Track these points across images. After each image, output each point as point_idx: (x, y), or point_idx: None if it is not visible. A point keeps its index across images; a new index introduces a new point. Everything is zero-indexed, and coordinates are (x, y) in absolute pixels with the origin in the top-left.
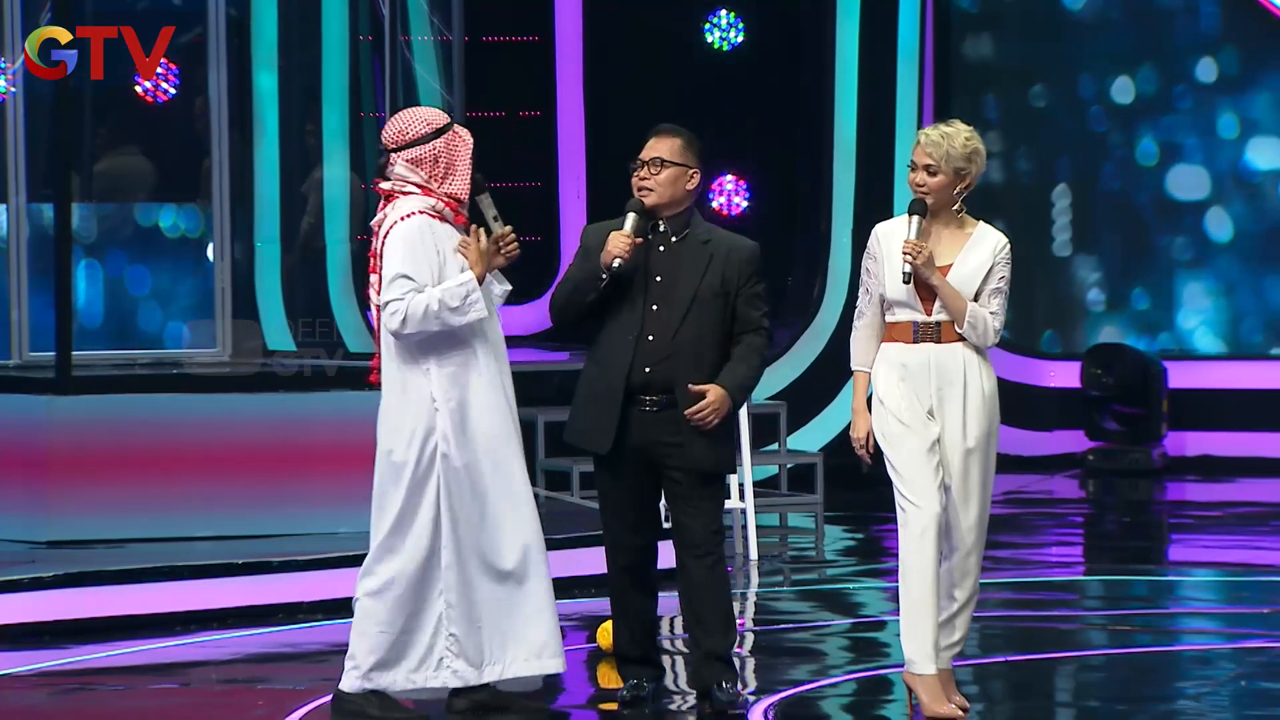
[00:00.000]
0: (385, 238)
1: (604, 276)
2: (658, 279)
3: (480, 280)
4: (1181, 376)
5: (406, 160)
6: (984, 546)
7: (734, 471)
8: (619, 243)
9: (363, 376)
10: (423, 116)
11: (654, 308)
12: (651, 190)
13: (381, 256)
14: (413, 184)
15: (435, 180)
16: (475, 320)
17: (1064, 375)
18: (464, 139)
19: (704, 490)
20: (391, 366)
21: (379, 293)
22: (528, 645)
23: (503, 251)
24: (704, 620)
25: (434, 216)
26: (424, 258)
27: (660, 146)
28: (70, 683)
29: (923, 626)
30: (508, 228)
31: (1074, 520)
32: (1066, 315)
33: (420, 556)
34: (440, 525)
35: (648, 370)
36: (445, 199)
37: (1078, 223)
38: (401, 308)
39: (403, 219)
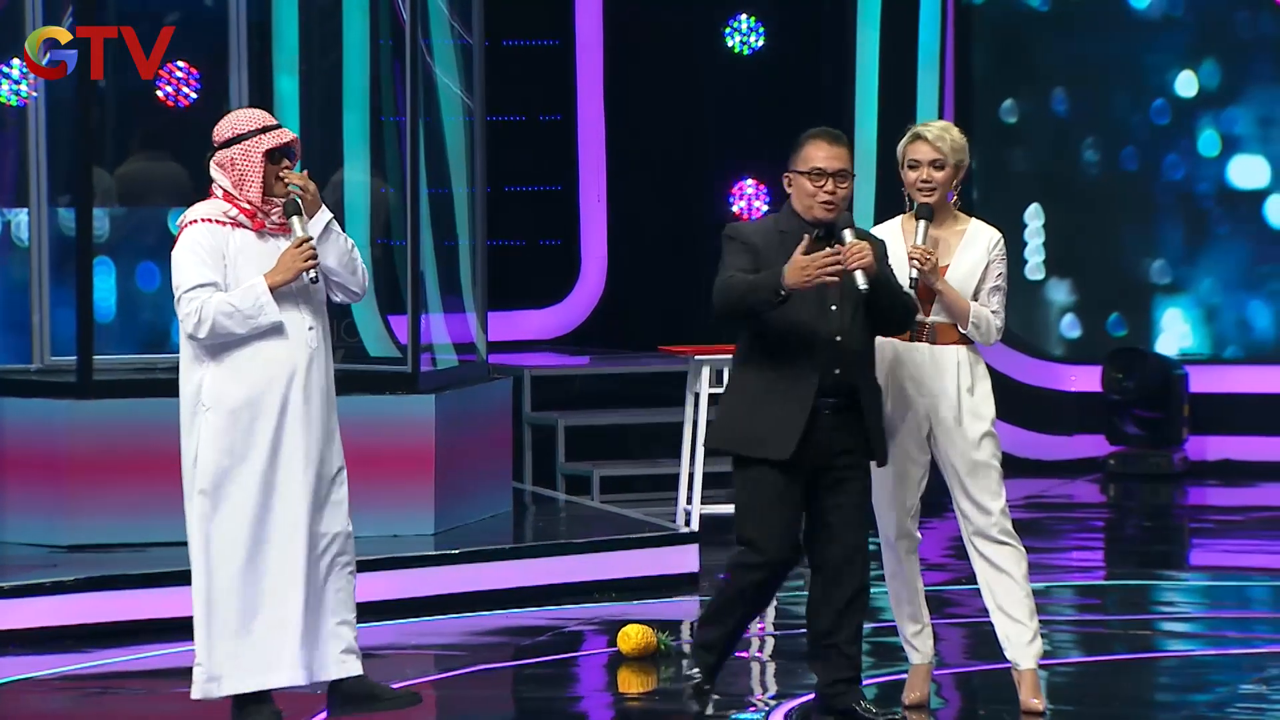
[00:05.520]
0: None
1: (783, 294)
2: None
3: (275, 288)
4: (1202, 381)
5: (215, 162)
6: (1018, 541)
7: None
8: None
9: (385, 380)
10: (231, 122)
11: (833, 308)
12: (835, 205)
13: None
14: (222, 186)
15: (236, 186)
16: (266, 325)
17: (1084, 379)
18: (259, 147)
19: (864, 494)
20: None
21: None
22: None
23: (304, 259)
24: (845, 635)
25: (225, 223)
26: (206, 264)
27: (843, 155)
28: (92, 686)
29: (897, 620)
30: (310, 236)
31: (1095, 525)
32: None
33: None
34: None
35: (838, 372)
36: (244, 205)
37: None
38: (196, 309)
39: (187, 224)
